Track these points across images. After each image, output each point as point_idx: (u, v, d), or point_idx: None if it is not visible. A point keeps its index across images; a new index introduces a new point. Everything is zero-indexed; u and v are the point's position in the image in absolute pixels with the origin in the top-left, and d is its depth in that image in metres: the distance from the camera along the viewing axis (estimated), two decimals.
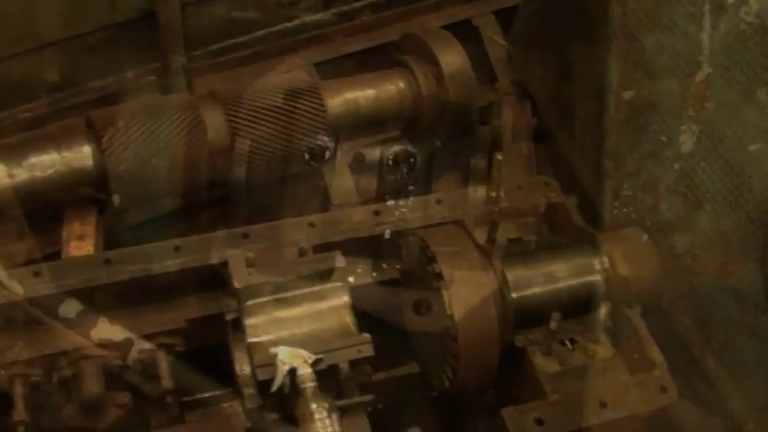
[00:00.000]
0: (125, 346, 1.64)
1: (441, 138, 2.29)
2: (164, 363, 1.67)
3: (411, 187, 2.12)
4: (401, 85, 2.27)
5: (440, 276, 1.80)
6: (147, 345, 1.64)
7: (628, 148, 1.45)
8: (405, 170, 2.17)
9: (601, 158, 1.46)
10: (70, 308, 1.65)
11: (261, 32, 2.38)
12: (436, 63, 2.27)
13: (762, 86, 1.50)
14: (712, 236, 1.51)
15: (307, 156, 2.16)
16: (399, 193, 2.17)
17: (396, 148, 2.25)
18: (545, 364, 1.79)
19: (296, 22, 2.40)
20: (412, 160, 2.18)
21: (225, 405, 1.75)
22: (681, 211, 1.48)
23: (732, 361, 1.53)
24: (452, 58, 2.27)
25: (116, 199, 2.06)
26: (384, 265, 1.96)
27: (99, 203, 2.08)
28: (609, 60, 1.47)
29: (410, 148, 2.25)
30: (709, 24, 1.51)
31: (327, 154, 2.17)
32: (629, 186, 1.45)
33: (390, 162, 2.23)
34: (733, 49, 1.51)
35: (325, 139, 2.21)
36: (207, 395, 1.73)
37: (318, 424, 1.55)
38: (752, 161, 1.52)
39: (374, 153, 2.24)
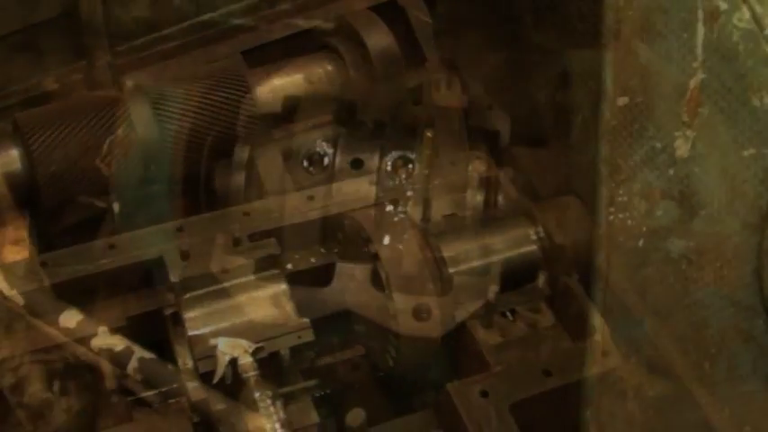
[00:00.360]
0: (125, 354, 1.57)
1: (373, 119, 2.29)
2: (106, 363, 1.61)
3: (409, 193, 2.09)
4: (329, 68, 2.27)
5: (376, 257, 1.81)
6: (147, 354, 1.58)
7: (623, 155, 1.44)
8: (403, 176, 2.14)
9: (596, 165, 1.44)
10: (70, 317, 1.55)
11: (185, 24, 2.31)
12: (363, 44, 2.25)
13: (756, 92, 1.52)
14: (707, 241, 1.52)
15: (305, 162, 2.12)
16: (398, 198, 2.14)
17: (394, 153, 2.26)
18: (487, 337, 1.84)
19: (220, 11, 2.32)
20: (410, 166, 2.16)
21: (172, 401, 1.72)
22: (676, 217, 1.49)
23: (728, 365, 1.54)
24: (378, 39, 2.28)
25: (116, 206, 1.99)
26: (322, 250, 1.88)
27: (31, 207, 2.07)
28: (604, 67, 1.46)
29: (409, 154, 2.24)
30: (703, 30, 1.52)
31: (326, 160, 2.13)
32: (624, 192, 1.45)
33: (389, 168, 2.23)
34: (727, 54, 1.52)
35: (324, 145, 2.17)
36: (153, 392, 1.66)
37: (263, 412, 1.54)
38: (746, 166, 1.54)
39: (372, 159, 2.24)
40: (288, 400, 1.73)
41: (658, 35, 1.54)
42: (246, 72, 2.30)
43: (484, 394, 1.79)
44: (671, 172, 1.52)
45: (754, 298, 1.52)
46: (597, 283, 1.48)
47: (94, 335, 1.64)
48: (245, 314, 1.86)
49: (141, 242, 1.95)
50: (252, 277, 1.91)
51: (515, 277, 1.99)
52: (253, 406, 1.66)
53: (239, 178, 2.22)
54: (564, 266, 1.94)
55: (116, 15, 2.37)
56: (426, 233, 1.98)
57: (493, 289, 1.92)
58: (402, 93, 2.36)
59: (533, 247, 2.01)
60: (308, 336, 1.80)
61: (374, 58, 2.33)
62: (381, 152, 2.27)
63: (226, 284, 1.88)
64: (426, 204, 2.03)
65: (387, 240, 1.93)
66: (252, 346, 1.76)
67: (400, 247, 1.96)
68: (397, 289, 1.89)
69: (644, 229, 1.49)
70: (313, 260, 2.06)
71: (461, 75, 2.41)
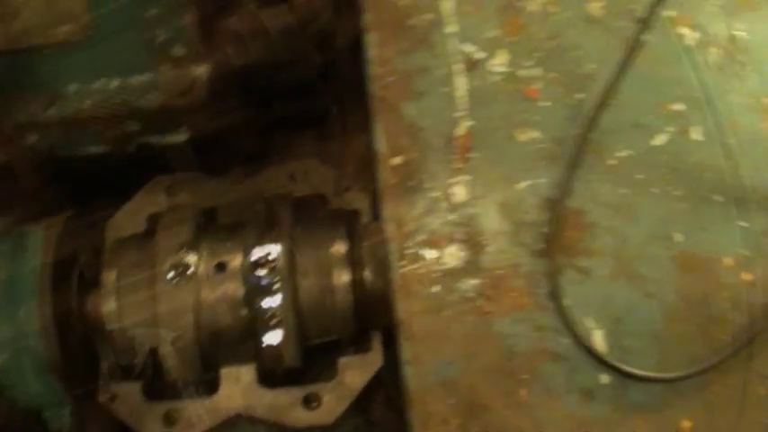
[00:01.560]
0: None
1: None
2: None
3: (276, 286, 2.15)
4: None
5: None
6: None
7: (405, 210, 1.54)
8: (267, 271, 2.20)
9: (381, 223, 1.53)
10: None
11: None
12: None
13: (519, 128, 1.62)
14: (500, 274, 1.59)
15: (170, 274, 2.18)
16: (267, 293, 2.19)
17: (256, 250, 2.27)
18: None
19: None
20: (272, 258, 2.21)
21: None
22: (465, 258, 1.57)
23: (543, 387, 1.61)
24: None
25: None
26: None
27: None
28: (375, 132, 1.55)
29: (270, 248, 2.27)
30: (463, 81, 1.63)
31: (191, 269, 2.20)
32: (412, 244, 1.54)
33: (253, 266, 2.24)
34: (490, 98, 1.63)
35: (187, 254, 2.25)
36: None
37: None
38: (523, 198, 1.64)
39: (236, 260, 2.25)
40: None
41: (422, 93, 1.65)
42: None
43: None
44: (453, 217, 1.61)
45: (555, 318, 1.59)
46: (401, 334, 1.55)
47: None
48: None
49: None
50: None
51: None
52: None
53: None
54: None
55: None
56: None
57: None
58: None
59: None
60: None
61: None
62: (244, 252, 2.32)
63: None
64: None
65: None
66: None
67: None
68: None
69: (436, 275, 1.57)
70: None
71: None
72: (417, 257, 1.62)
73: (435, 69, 1.62)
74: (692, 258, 1.64)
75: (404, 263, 1.61)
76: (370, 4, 1.65)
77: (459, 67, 1.62)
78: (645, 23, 1.67)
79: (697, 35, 1.69)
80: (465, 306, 1.62)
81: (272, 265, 2.28)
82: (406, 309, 1.59)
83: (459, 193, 1.61)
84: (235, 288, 2.29)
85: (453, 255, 1.62)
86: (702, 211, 1.64)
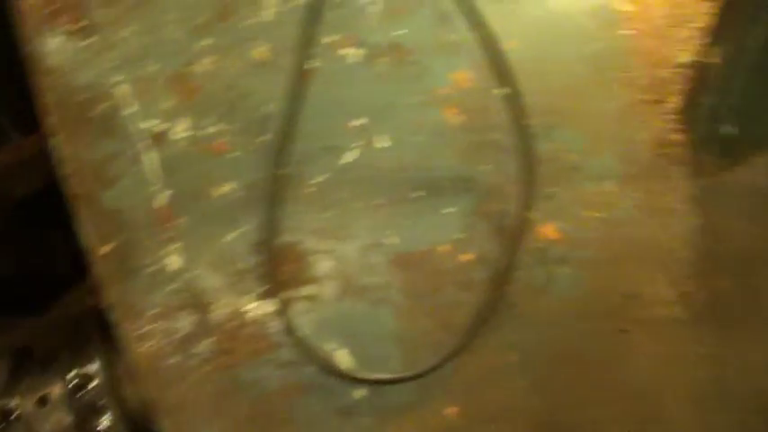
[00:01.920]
0: None
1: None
2: None
3: (102, 401, 2.16)
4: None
5: None
6: None
7: (127, 292, 1.59)
8: (89, 391, 2.22)
9: (110, 310, 1.58)
10: None
11: None
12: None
13: (213, 185, 1.69)
14: (232, 326, 1.65)
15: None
16: (96, 413, 2.18)
17: (73, 374, 2.24)
18: None
19: None
20: (91, 377, 2.23)
21: None
22: (195, 321, 1.63)
23: (303, 419, 1.66)
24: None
25: None
26: None
27: None
28: (80, 228, 1.60)
29: (87, 368, 2.27)
30: (152, 156, 1.69)
31: (15, 414, 2.22)
32: (142, 323, 1.60)
33: (74, 390, 2.20)
34: (180, 165, 1.70)
35: (7, 399, 2.26)
36: None
37: None
38: (234, 249, 1.69)
39: (56, 390, 2.21)
40: None
41: (115, 178, 1.71)
42: None
43: None
44: (174, 286, 1.66)
45: (295, 351, 1.65)
46: (156, 412, 1.59)
47: None
48: None
49: None
50: None
51: None
52: None
53: None
54: None
55: None
56: None
57: None
58: None
59: None
60: None
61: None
62: (62, 379, 2.34)
63: None
64: None
65: None
66: None
67: None
68: None
69: (172, 345, 1.62)
70: None
71: None
72: (150, 334, 1.66)
73: (123, 152, 1.67)
74: (408, 257, 1.70)
75: (139, 343, 1.65)
76: (51, 107, 1.70)
77: (145, 143, 1.67)
78: (305, 54, 1.73)
79: (362, 51, 1.75)
80: (207, 366, 1.66)
81: (93, 383, 2.31)
82: (152, 386, 1.63)
83: (174, 261, 1.66)
84: (62, 418, 2.30)
85: (183, 321, 1.67)
86: (407, 210, 1.71)
